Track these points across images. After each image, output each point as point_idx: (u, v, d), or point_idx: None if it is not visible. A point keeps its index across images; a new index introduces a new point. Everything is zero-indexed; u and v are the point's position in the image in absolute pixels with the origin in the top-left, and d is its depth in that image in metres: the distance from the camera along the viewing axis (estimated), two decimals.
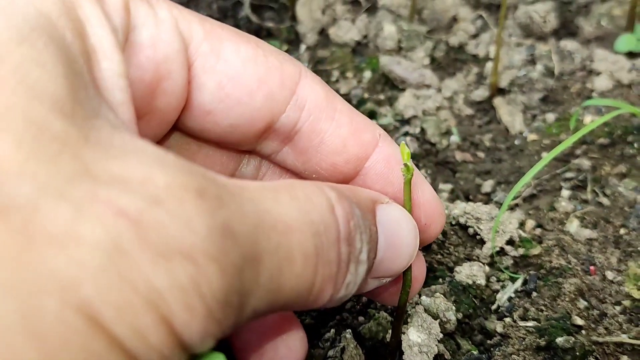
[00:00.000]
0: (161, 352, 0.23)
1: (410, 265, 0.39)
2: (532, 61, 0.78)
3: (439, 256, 0.54)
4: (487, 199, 0.63)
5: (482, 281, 0.50)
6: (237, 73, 0.37)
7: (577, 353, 0.44)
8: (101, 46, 0.30)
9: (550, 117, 0.70)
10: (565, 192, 0.60)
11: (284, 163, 0.42)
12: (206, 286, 0.24)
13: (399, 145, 0.40)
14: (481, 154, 0.69)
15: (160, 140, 0.39)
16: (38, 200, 0.21)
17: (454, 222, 0.56)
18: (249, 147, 0.41)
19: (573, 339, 0.45)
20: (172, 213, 0.24)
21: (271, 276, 0.28)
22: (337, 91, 0.76)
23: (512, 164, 0.67)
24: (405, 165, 0.37)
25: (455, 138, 0.70)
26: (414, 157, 0.66)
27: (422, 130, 0.70)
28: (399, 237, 0.37)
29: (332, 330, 0.49)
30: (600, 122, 0.57)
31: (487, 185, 0.64)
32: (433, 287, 0.50)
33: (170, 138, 0.40)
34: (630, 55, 0.77)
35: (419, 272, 0.42)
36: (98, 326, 0.21)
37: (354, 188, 0.37)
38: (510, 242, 0.54)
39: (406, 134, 0.69)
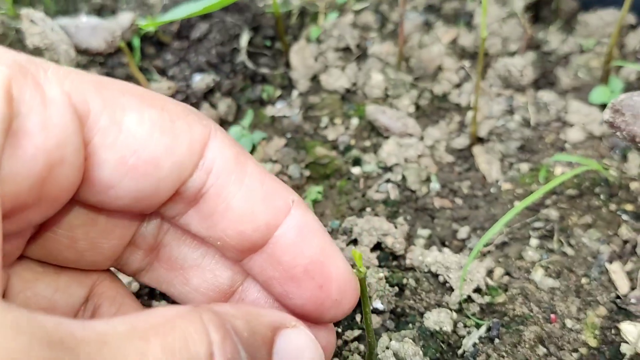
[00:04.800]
0: None
1: None
2: (510, 111, 0.83)
3: (411, 301, 0.58)
4: (462, 245, 0.67)
5: (448, 327, 0.54)
6: (142, 144, 0.34)
7: None
8: None
9: (525, 167, 0.74)
10: (534, 241, 0.64)
11: (188, 227, 0.39)
12: None
13: None
14: (459, 201, 0.73)
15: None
16: None
17: (426, 270, 0.60)
18: (152, 211, 0.38)
19: None
20: None
21: None
22: (326, 137, 0.81)
23: (487, 211, 0.71)
24: (357, 269, 0.39)
25: (435, 185, 0.74)
26: (395, 203, 0.71)
27: (404, 178, 0.74)
28: None
29: None
30: (567, 176, 0.62)
31: (463, 232, 0.68)
32: (403, 332, 0.54)
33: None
34: (604, 107, 0.81)
35: (329, 344, 0.41)
36: None
37: (254, 313, 0.34)
38: (477, 290, 0.58)
39: (388, 180, 0.73)
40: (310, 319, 0.40)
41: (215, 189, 0.37)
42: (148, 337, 0.26)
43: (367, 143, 0.80)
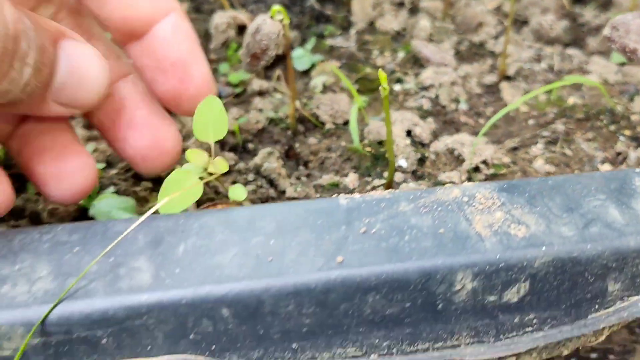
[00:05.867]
0: None
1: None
2: (537, 60, 0.95)
3: (429, 170, 0.71)
4: None
5: (457, 181, 0.67)
6: None
7: None
8: None
9: (542, 97, 0.87)
10: (540, 145, 0.76)
11: (86, 2, 0.46)
12: None
13: None
14: (482, 121, 0.86)
15: None
16: None
17: (445, 149, 0.73)
18: None
19: None
20: None
21: None
22: (375, 64, 0.95)
23: (505, 129, 0.83)
24: (382, 87, 0.51)
25: (462, 105, 0.87)
26: (427, 113, 0.84)
27: (437, 96, 0.87)
28: (84, 69, 0.41)
29: None
30: (577, 79, 0.74)
31: (481, 143, 0.80)
32: (419, 181, 0.67)
33: None
34: (623, 65, 0.93)
35: (171, 139, 0.49)
36: None
37: (38, 16, 0.41)
38: (484, 162, 0.70)
39: (422, 96, 0.87)
40: (170, 107, 0.49)
41: None
42: None
43: (409, 71, 0.93)
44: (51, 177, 0.48)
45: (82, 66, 0.41)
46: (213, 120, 0.43)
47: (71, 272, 0.38)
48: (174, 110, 0.49)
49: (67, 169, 0.48)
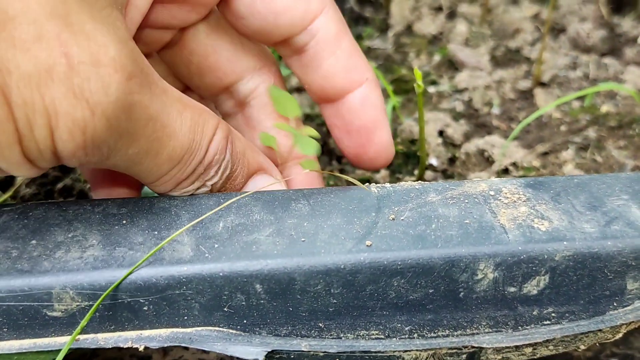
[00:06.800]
0: (38, 145, 0.34)
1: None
2: (573, 67, 0.96)
3: (459, 169, 0.73)
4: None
5: None
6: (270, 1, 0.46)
7: None
8: None
9: (576, 104, 0.87)
10: (570, 151, 0.77)
11: (291, 66, 0.52)
12: (91, 129, 0.34)
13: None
14: (514, 126, 0.87)
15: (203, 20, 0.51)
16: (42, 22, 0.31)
17: (476, 150, 0.75)
18: (270, 46, 0.52)
19: None
20: (100, 74, 0.33)
21: (138, 153, 0.38)
22: (410, 65, 0.97)
23: (536, 134, 0.84)
24: (417, 84, 0.52)
25: (495, 110, 0.88)
26: (459, 115, 0.85)
27: (470, 100, 0.89)
28: None
29: None
30: (593, 90, 0.74)
31: (513, 146, 0.82)
32: (450, 180, 0.68)
33: (210, 18, 0.51)
34: None
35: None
36: (9, 109, 0.32)
37: (255, 149, 0.48)
38: (514, 164, 0.72)
39: (456, 99, 0.88)
40: (352, 162, 0.55)
41: (314, 50, 0.49)
42: (185, 108, 0.41)
43: (444, 74, 0.95)
44: None
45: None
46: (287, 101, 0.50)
47: (119, 242, 0.41)
48: (355, 164, 0.56)
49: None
